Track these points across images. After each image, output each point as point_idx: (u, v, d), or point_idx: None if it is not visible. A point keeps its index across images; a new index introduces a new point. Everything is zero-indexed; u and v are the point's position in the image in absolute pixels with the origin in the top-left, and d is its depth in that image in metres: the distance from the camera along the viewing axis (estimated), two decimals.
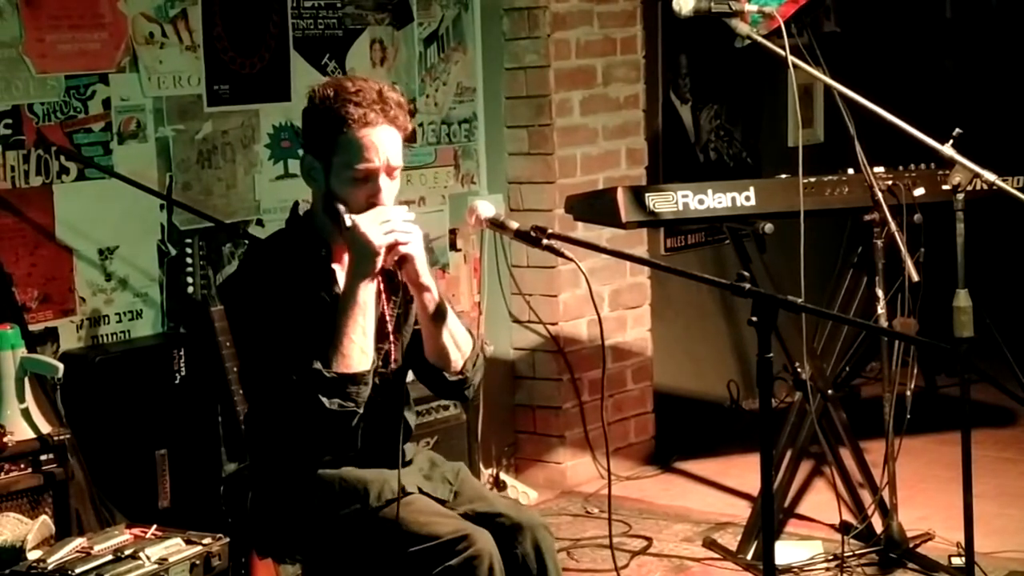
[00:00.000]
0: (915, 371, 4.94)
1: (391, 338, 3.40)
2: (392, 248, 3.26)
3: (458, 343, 3.44)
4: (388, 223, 3.25)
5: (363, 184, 3.30)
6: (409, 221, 3.29)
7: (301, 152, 3.43)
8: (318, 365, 3.20)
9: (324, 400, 3.19)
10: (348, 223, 3.26)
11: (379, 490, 3.34)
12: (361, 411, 3.26)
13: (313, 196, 3.41)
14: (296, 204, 3.46)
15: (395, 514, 3.28)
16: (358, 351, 3.24)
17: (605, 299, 5.98)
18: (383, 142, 3.29)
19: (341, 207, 3.28)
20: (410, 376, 3.54)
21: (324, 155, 3.32)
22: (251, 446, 3.52)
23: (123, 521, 4.04)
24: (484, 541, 3.25)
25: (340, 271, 3.38)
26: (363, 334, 3.25)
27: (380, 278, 3.34)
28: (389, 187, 3.33)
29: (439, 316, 3.38)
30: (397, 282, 3.38)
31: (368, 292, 3.26)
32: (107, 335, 4.71)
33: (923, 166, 4.92)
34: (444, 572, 3.21)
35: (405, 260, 3.29)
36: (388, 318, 3.39)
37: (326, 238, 3.38)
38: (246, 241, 4.91)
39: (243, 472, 3.57)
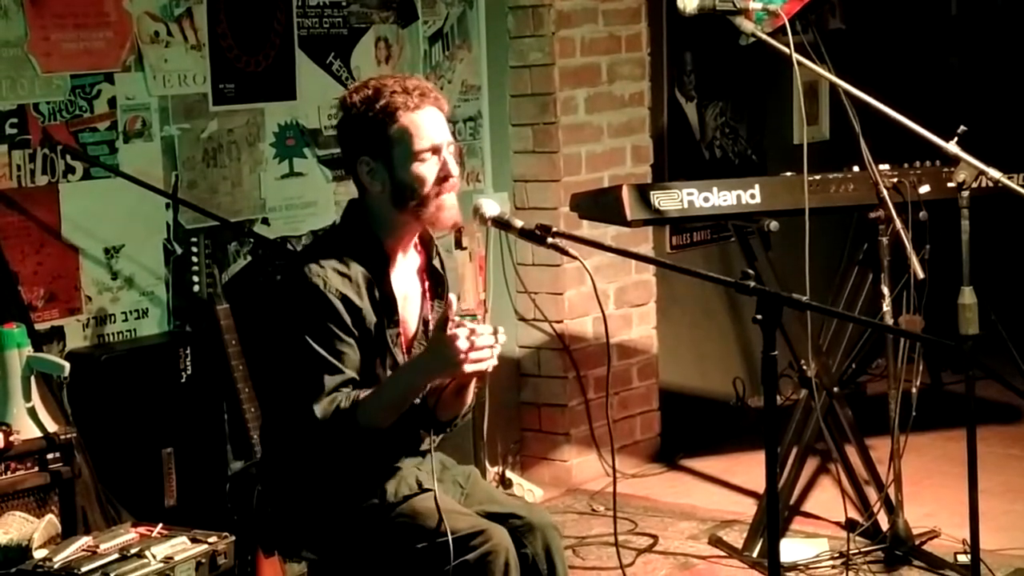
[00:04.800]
0: (921, 368, 4.96)
1: (425, 342, 3.41)
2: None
3: (463, 410, 3.48)
4: (484, 351, 3.20)
5: (430, 163, 3.33)
6: (500, 344, 3.25)
7: (348, 159, 3.41)
8: (352, 409, 3.21)
9: (348, 440, 3.24)
10: (455, 319, 3.21)
11: (396, 486, 3.36)
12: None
13: (371, 197, 3.39)
14: (351, 203, 3.45)
15: (412, 510, 3.30)
16: (391, 421, 3.28)
17: (610, 297, 5.98)
18: (434, 121, 3.35)
19: (453, 297, 3.25)
20: None
21: (381, 151, 3.33)
22: (266, 441, 3.52)
23: (129, 520, 4.04)
24: (500, 537, 3.27)
25: (396, 279, 3.37)
26: (401, 410, 3.28)
27: (427, 281, 3.43)
28: (452, 161, 3.36)
29: (467, 402, 3.42)
30: (442, 289, 3.42)
31: (428, 382, 3.28)
32: (113, 334, 4.71)
33: (928, 163, 4.91)
34: (460, 567, 3.21)
35: (475, 375, 3.30)
36: (430, 321, 3.42)
37: (381, 237, 3.38)
38: (251, 240, 4.91)
39: (249, 470, 3.58)
